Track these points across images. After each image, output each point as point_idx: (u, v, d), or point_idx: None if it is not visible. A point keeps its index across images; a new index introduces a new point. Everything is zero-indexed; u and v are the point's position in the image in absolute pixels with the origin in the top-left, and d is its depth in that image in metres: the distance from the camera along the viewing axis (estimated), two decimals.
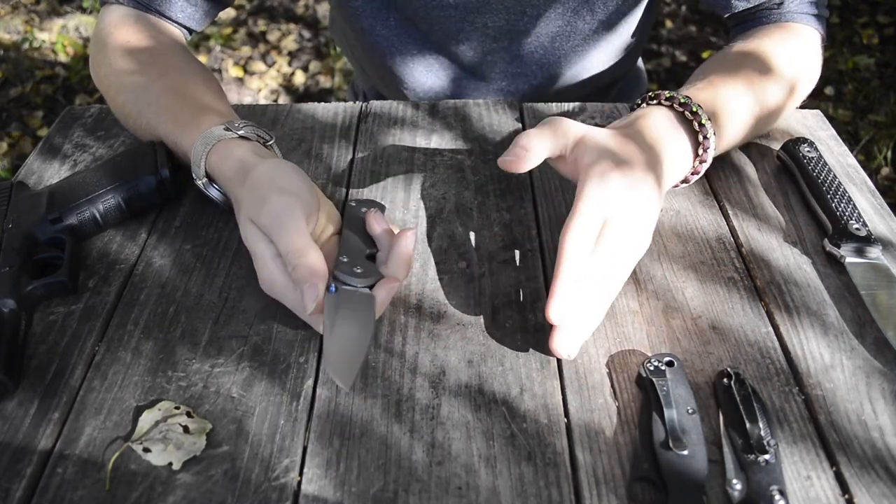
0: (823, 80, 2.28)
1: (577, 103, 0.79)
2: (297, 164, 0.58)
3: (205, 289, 0.58)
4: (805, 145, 0.68)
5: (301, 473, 0.45)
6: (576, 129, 0.56)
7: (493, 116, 0.78)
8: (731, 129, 0.64)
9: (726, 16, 0.77)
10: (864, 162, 2.03)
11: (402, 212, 0.65)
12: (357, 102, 0.80)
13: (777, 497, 0.42)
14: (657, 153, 0.57)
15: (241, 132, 0.60)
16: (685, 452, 0.44)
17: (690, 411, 0.47)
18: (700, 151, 0.60)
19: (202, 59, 2.53)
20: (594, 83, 0.94)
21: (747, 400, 0.47)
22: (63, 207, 0.61)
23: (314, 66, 2.56)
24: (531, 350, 0.53)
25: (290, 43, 2.67)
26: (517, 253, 0.61)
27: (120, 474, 0.45)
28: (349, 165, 0.71)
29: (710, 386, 0.50)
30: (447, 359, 0.52)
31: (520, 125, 0.76)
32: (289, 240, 0.50)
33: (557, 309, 0.49)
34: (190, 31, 0.79)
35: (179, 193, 0.66)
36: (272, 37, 2.70)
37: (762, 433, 0.45)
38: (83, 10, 2.78)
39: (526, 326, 0.54)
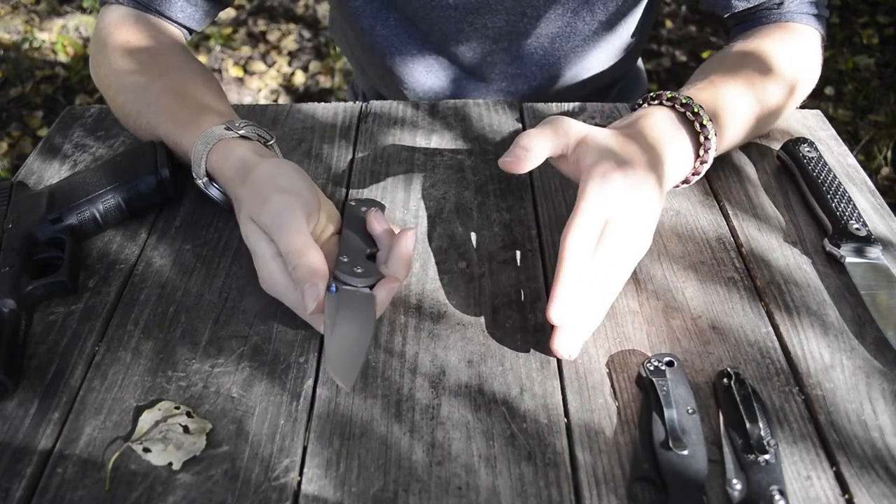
0: (823, 80, 2.28)
1: (577, 103, 0.79)
2: (297, 164, 0.58)
3: (205, 289, 0.58)
4: (805, 145, 0.68)
5: (301, 473, 0.45)
6: (577, 129, 0.56)
7: (493, 116, 0.78)
8: (731, 129, 0.64)
9: (726, 16, 0.77)
10: (864, 162, 2.03)
11: (402, 212, 0.65)
12: (357, 102, 0.80)
13: (777, 497, 0.42)
14: (658, 153, 0.57)
15: (241, 132, 0.60)
16: (685, 452, 0.44)
17: (690, 411, 0.47)
18: (701, 152, 0.60)
19: (202, 59, 2.53)
20: (594, 83, 0.94)
21: (747, 400, 0.47)
22: (63, 207, 0.61)
23: (314, 66, 2.56)
24: (531, 350, 0.53)
25: (290, 43, 2.67)
26: (518, 253, 0.61)
27: (120, 474, 0.45)
28: (349, 165, 0.71)
29: (710, 386, 0.50)
30: (447, 359, 0.52)
31: (520, 125, 0.76)
32: (289, 239, 0.51)
33: (559, 309, 0.49)
34: (190, 31, 0.79)
35: (179, 193, 0.66)
36: (272, 37, 2.70)
37: (762, 433, 0.45)
38: (83, 10, 2.78)
39: (526, 326, 0.54)
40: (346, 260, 0.53)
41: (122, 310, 0.56)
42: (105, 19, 0.75)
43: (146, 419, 0.48)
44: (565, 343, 0.50)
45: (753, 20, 0.76)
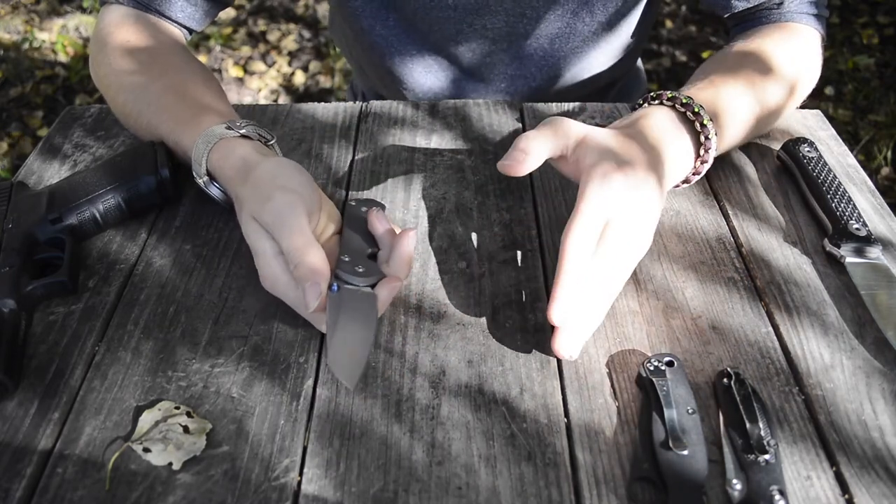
0: (823, 80, 2.28)
1: (577, 103, 0.79)
2: (298, 163, 0.58)
3: (205, 289, 0.58)
4: (805, 145, 0.68)
5: (301, 473, 0.45)
6: (577, 130, 0.56)
7: (493, 116, 0.78)
8: (732, 129, 0.64)
9: (726, 16, 0.77)
10: (864, 162, 2.03)
11: (402, 212, 0.65)
12: (357, 102, 0.80)
13: (777, 497, 0.42)
14: (659, 153, 0.57)
15: (242, 131, 0.60)
16: (685, 452, 0.44)
17: (690, 411, 0.47)
18: (701, 152, 0.60)
19: (202, 59, 2.53)
20: (594, 84, 0.94)
21: (747, 400, 0.47)
22: (63, 207, 0.61)
23: (314, 66, 2.56)
24: (531, 350, 0.53)
25: (290, 43, 2.67)
26: (518, 253, 0.61)
27: (120, 474, 0.45)
28: (349, 165, 0.71)
29: (710, 386, 0.50)
30: (447, 359, 0.52)
31: (520, 125, 0.76)
32: (291, 238, 0.51)
33: (559, 310, 0.49)
34: (190, 30, 0.79)
35: (179, 193, 0.66)
36: (272, 37, 2.70)
37: (762, 433, 0.45)
38: (83, 10, 2.78)
39: (526, 326, 0.54)
40: (347, 259, 0.53)
41: (122, 310, 0.56)
42: (105, 19, 0.75)
43: (146, 419, 0.48)
44: (566, 343, 0.50)
45: (753, 20, 0.76)
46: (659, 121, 0.59)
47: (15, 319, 0.53)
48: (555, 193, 0.67)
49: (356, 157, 0.72)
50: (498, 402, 0.49)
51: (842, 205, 0.62)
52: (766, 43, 0.70)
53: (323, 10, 2.78)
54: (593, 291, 0.51)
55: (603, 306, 0.52)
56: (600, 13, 0.83)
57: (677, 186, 0.63)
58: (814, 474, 0.45)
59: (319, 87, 2.48)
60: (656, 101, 0.61)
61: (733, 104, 0.64)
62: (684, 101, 0.60)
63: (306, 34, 2.71)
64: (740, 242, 0.62)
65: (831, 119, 1.56)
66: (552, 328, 0.50)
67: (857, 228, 0.60)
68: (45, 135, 0.77)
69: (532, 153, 0.55)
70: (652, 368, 0.49)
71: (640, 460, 0.45)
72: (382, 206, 0.61)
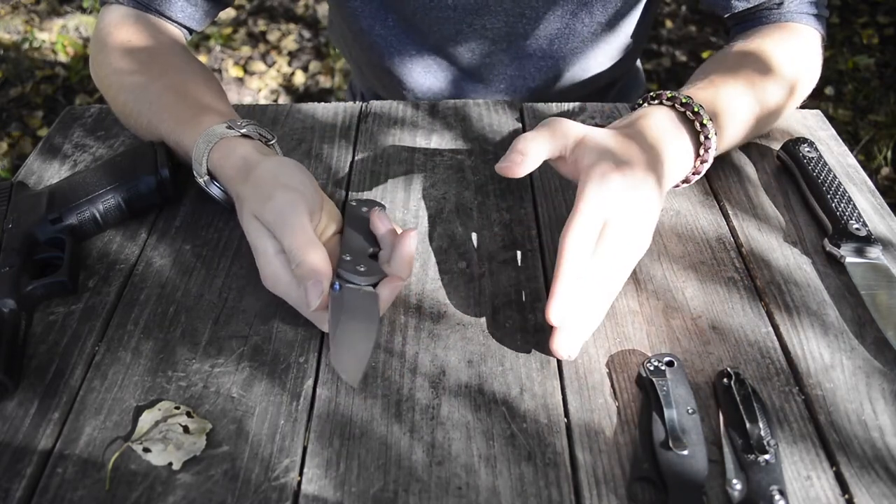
0: (823, 80, 2.28)
1: (577, 103, 0.79)
2: (299, 162, 0.58)
3: (205, 289, 0.58)
4: (805, 145, 0.68)
5: (301, 473, 0.45)
6: (576, 130, 0.56)
7: (493, 116, 0.78)
8: (731, 129, 0.64)
9: (726, 16, 0.77)
10: (864, 162, 2.03)
11: (402, 212, 0.65)
12: (356, 103, 0.80)
13: (777, 497, 0.42)
14: (658, 153, 0.57)
15: (243, 130, 0.60)
16: (685, 452, 0.44)
17: (690, 411, 0.47)
18: (701, 151, 0.60)
19: (202, 59, 2.53)
20: (593, 84, 0.94)
21: (747, 400, 0.47)
22: (63, 207, 0.61)
23: (314, 66, 2.56)
24: (531, 350, 0.53)
25: (290, 43, 2.67)
26: (518, 253, 0.61)
27: (120, 474, 0.45)
28: (349, 165, 0.71)
29: (710, 386, 0.50)
30: (447, 359, 0.52)
31: (520, 125, 0.76)
32: (292, 236, 0.51)
33: (557, 310, 0.49)
34: (190, 30, 0.79)
35: (179, 193, 0.66)
36: (272, 37, 2.70)
37: (762, 433, 0.45)
38: (83, 10, 2.78)
39: (526, 326, 0.54)
40: (349, 258, 0.53)
41: (122, 310, 0.56)
42: (105, 19, 0.75)
43: (146, 419, 0.48)
44: (564, 343, 0.50)
45: (753, 20, 0.76)
46: (658, 120, 0.59)
47: (15, 319, 0.53)
48: (555, 193, 0.67)
49: (356, 157, 0.72)
50: (498, 402, 0.49)
51: (842, 205, 0.62)
52: (766, 43, 0.70)
53: (323, 10, 2.79)
54: (592, 291, 0.51)
55: (602, 306, 0.52)
56: (599, 14, 0.83)
57: (677, 186, 0.63)
58: (814, 474, 0.45)
59: (319, 87, 2.48)
60: (656, 101, 0.61)
61: (733, 104, 0.64)
62: (684, 100, 0.60)
63: (306, 34, 2.71)
64: (740, 242, 0.62)
65: (831, 119, 1.56)
66: (551, 328, 0.50)
67: (857, 228, 0.60)
68: (45, 135, 0.77)
69: (530, 155, 0.55)
70: (652, 368, 0.49)
71: (640, 460, 0.45)
72: (383, 207, 0.61)
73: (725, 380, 0.49)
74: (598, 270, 0.51)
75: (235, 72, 2.52)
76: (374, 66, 0.93)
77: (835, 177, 0.64)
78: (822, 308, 0.56)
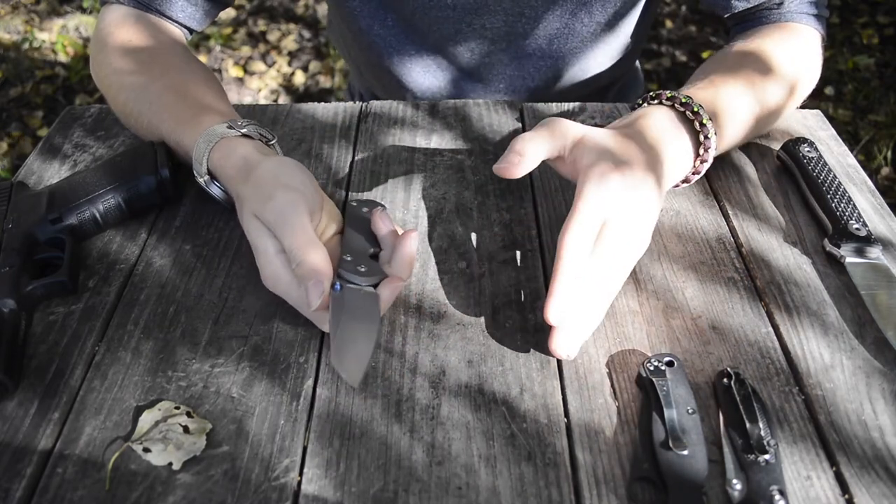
0: (823, 80, 2.28)
1: (577, 103, 0.79)
2: (299, 162, 0.58)
3: (205, 289, 0.58)
4: (805, 145, 0.68)
5: (301, 473, 0.45)
6: (574, 130, 0.56)
7: (493, 116, 0.78)
8: (731, 128, 0.64)
9: (726, 16, 0.77)
10: (864, 162, 2.03)
11: (402, 212, 0.65)
12: (356, 103, 0.80)
13: (777, 497, 0.42)
14: (657, 153, 0.57)
15: (243, 130, 0.60)
16: (685, 452, 0.44)
17: (690, 411, 0.47)
18: (701, 151, 0.60)
19: (202, 59, 2.53)
20: (592, 84, 0.94)
21: (747, 400, 0.47)
22: (63, 207, 0.61)
23: (314, 66, 2.56)
24: (531, 350, 0.53)
25: (290, 43, 2.67)
26: (518, 253, 0.61)
27: (120, 474, 0.45)
28: (349, 165, 0.71)
29: (710, 386, 0.50)
30: (447, 359, 0.52)
31: (520, 125, 0.76)
32: (293, 236, 0.51)
33: (556, 309, 0.49)
34: (190, 30, 0.79)
35: (179, 193, 0.66)
36: (272, 37, 2.70)
37: (762, 433, 0.45)
38: (83, 10, 2.78)
39: (526, 326, 0.54)
40: (349, 259, 0.53)
41: (122, 310, 0.56)
42: (105, 19, 0.75)
43: (146, 419, 0.48)
44: (563, 343, 0.50)
45: (753, 20, 0.76)
46: (658, 120, 0.59)
47: (15, 319, 0.53)
48: (555, 193, 0.67)
49: (356, 157, 0.72)
50: (498, 402, 0.49)
51: (842, 205, 0.62)
52: (766, 43, 0.70)
53: (323, 10, 2.79)
54: (591, 291, 0.51)
55: (601, 306, 0.52)
56: (599, 13, 0.83)
57: (677, 186, 0.63)
58: (814, 474, 0.45)
59: (319, 87, 2.48)
60: (655, 101, 0.61)
61: (733, 104, 0.64)
62: (683, 100, 0.60)
63: (306, 34, 2.71)
64: (740, 242, 0.62)
65: (831, 119, 1.56)
66: (551, 328, 0.50)
67: (857, 228, 0.60)
68: (45, 135, 0.77)
69: (528, 155, 0.55)
70: (652, 368, 0.49)
71: (640, 460, 0.45)
72: (384, 207, 0.61)
73: (725, 380, 0.49)
74: (597, 270, 0.51)
75: (235, 72, 2.52)
76: (373, 66, 0.93)
77: (835, 177, 0.64)
78: (822, 308, 0.56)
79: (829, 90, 2.33)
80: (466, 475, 0.45)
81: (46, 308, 0.56)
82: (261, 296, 0.56)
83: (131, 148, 0.67)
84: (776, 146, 0.71)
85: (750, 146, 0.73)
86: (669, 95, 0.61)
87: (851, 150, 0.79)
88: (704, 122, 0.59)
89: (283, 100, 2.43)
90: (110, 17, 0.75)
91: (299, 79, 2.51)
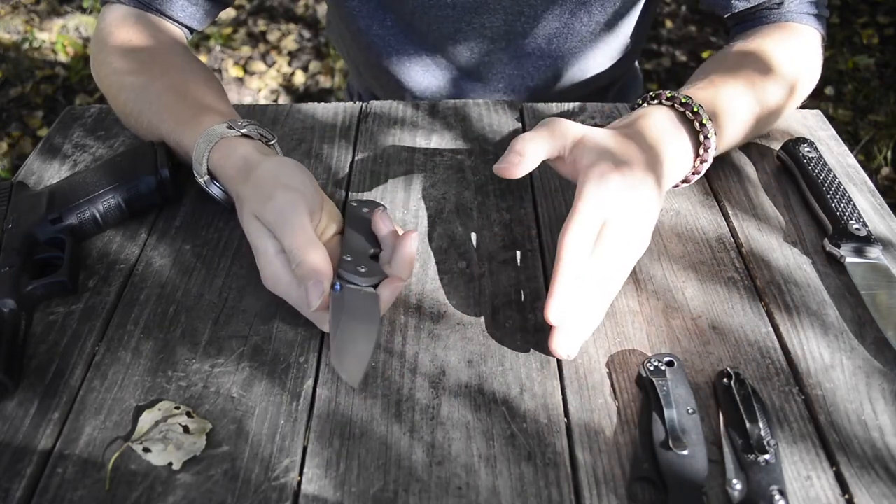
0: (823, 80, 2.27)
1: (577, 103, 0.79)
2: (299, 162, 0.58)
3: (205, 289, 0.58)
4: (805, 145, 0.68)
5: (301, 473, 0.45)
6: (574, 130, 0.56)
7: (493, 116, 0.78)
8: (731, 128, 0.64)
9: (726, 16, 0.77)
10: (864, 162, 2.03)
11: (402, 212, 0.65)
12: (356, 103, 0.80)
13: (777, 497, 0.42)
14: (657, 153, 0.57)
15: (243, 130, 0.60)
16: (685, 452, 0.44)
17: (690, 411, 0.47)
18: (701, 151, 0.60)
19: (202, 59, 2.53)
20: (592, 85, 0.94)
21: (747, 400, 0.47)
22: (63, 207, 0.61)
23: (314, 66, 2.56)
24: (531, 350, 0.53)
25: (290, 43, 2.67)
26: (518, 253, 0.61)
27: (120, 474, 0.45)
28: (349, 165, 0.71)
29: (710, 386, 0.50)
30: (447, 359, 0.52)
31: (520, 125, 0.76)
32: (293, 236, 0.51)
33: (556, 309, 0.49)
34: (191, 30, 0.79)
35: (179, 193, 0.66)
36: (272, 37, 2.70)
37: (762, 433, 0.45)
38: (83, 10, 2.78)
39: (526, 326, 0.54)
40: (349, 259, 0.53)
41: (122, 310, 0.56)
42: (106, 19, 0.75)
43: (146, 419, 0.48)
44: (563, 343, 0.50)
45: (753, 20, 0.76)
46: (658, 120, 0.59)
47: (15, 319, 0.53)
48: (555, 193, 0.67)
49: (356, 157, 0.72)
50: (498, 402, 0.49)
51: (842, 205, 0.62)
52: (766, 43, 0.70)
53: (323, 10, 2.79)
54: (591, 291, 0.51)
55: (601, 306, 0.52)
56: (598, 13, 0.83)
57: (677, 186, 0.63)
58: (814, 474, 0.45)
59: (319, 87, 2.48)
60: (655, 101, 0.61)
61: (733, 104, 0.64)
62: (683, 100, 0.60)
63: (306, 34, 2.71)
64: (740, 242, 0.62)
65: (831, 119, 1.56)
66: (551, 328, 0.50)
67: (857, 228, 0.60)
68: (45, 135, 0.77)
69: (528, 155, 0.55)
70: (652, 368, 0.49)
71: (640, 460, 0.45)
72: (384, 207, 0.61)
73: (725, 380, 0.49)
74: (597, 270, 0.51)
75: (235, 72, 2.52)
76: (372, 66, 0.93)
77: (835, 177, 0.64)
78: (822, 308, 0.56)
79: (829, 90, 2.33)
80: (466, 475, 0.45)
81: (46, 308, 0.56)
82: (261, 296, 0.56)
83: (131, 148, 0.67)
84: (776, 146, 0.71)
85: (750, 146, 0.73)
86: (669, 95, 0.61)
87: (851, 150, 0.79)
88: (704, 122, 0.59)
89: (283, 100, 2.43)
90: (111, 17, 0.75)
91: (299, 79, 2.51)
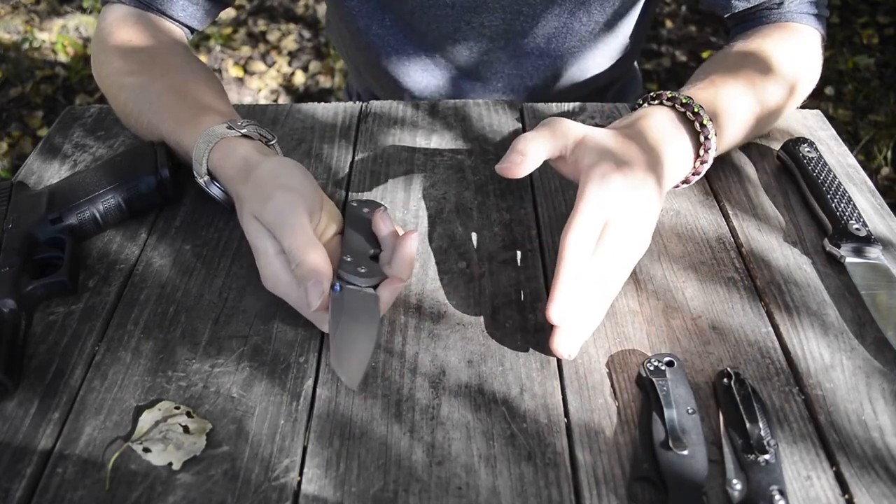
0: (823, 80, 2.27)
1: (577, 103, 0.79)
2: (299, 163, 0.58)
3: (205, 289, 0.58)
4: (805, 145, 0.68)
5: (301, 473, 0.45)
6: (576, 130, 0.56)
7: (493, 116, 0.78)
8: (731, 129, 0.64)
9: (726, 16, 0.77)
10: (864, 162, 2.03)
11: (402, 212, 0.65)
12: (356, 103, 0.80)
13: (777, 497, 0.42)
14: (658, 154, 0.57)
15: (243, 131, 0.60)
16: (685, 452, 0.44)
17: (690, 411, 0.47)
18: (701, 152, 0.60)
19: (202, 59, 2.53)
20: (591, 85, 0.94)
21: (747, 400, 0.47)
22: (63, 207, 0.61)
23: (314, 66, 2.56)
24: (531, 350, 0.53)
25: (290, 43, 2.67)
26: (518, 253, 0.61)
27: (120, 474, 0.45)
28: (349, 165, 0.71)
29: (710, 386, 0.50)
30: (447, 359, 0.52)
31: (520, 125, 0.76)
32: (292, 237, 0.51)
33: (558, 309, 0.49)
34: (191, 30, 0.79)
35: (179, 193, 0.66)
36: (272, 37, 2.70)
37: (762, 433, 0.45)
38: (83, 10, 2.78)
39: (526, 326, 0.54)
40: (349, 259, 0.53)
41: (122, 310, 0.56)
42: (106, 18, 0.75)
43: (146, 419, 0.48)
44: (564, 343, 0.50)
45: (753, 20, 0.76)
46: (658, 121, 0.59)
47: (15, 319, 0.53)
48: (555, 193, 0.67)
49: (356, 157, 0.72)
50: (498, 402, 0.49)
51: (842, 205, 0.62)
52: (766, 43, 0.70)
53: (323, 10, 2.79)
54: (592, 291, 0.51)
55: (602, 306, 0.52)
56: (598, 13, 0.83)
57: (677, 186, 0.63)
58: (814, 474, 0.45)
59: (319, 87, 2.48)
60: (656, 101, 0.61)
61: (733, 104, 0.64)
62: (684, 100, 0.60)
63: (306, 34, 2.71)
64: (740, 242, 0.62)
65: (831, 119, 1.56)
66: (551, 327, 0.50)
67: (857, 228, 0.60)
68: (45, 135, 0.77)
69: (530, 155, 0.55)
70: (652, 368, 0.49)
71: (640, 460, 0.45)
72: (384, 208, 0.61)
73: (725, 380, 0.49)
74: (598, 270, 0.51)
75: (235, 72, 2.52)
76: (371, 66, 0.93)
77: (835, 177, 0.64)
78: (822, 308, 0.56)
79: (829, 90, 2.33)
80: (466, 475, 0.45)
81: (46, 308, 0.56)
82: (261, 296, 0.56)
83: (131, 148, 0.67)
84: (776, 146, 0.71)
85: (750, 146, 0.73)
86: (670, 96, 0.61)
87: (851, 150, 0.79)
88: (705, 122, 0.59)
89: (283, 100, 2.43)
90: (111, 17, 0.75)
91: (299, 79, 2.51)
